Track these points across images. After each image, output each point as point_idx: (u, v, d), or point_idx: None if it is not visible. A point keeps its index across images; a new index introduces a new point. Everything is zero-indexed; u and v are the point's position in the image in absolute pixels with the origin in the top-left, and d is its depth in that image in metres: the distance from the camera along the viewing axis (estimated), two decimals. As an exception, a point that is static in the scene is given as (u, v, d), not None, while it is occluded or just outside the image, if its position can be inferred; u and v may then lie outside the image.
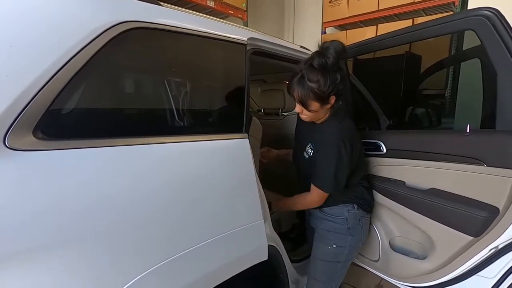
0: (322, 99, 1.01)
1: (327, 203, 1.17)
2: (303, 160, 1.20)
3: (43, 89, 0.58)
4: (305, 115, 1.10)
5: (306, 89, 1.00)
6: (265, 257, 1.07)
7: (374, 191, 1.36)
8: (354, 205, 1.18)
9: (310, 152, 1.15)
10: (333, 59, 0.96)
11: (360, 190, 1.21)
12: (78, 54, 0.63)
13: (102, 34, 0.68)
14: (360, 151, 1.16)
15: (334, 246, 1.18)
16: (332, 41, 1.00)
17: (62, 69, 0.60)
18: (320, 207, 1.21)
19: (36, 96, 0.57)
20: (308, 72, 0.99)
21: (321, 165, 1.08)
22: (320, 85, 0.97)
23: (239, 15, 3.12)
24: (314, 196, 1.13)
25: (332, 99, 1.04)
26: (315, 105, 1.03)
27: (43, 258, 0.59)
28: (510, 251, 0.99)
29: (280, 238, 1.23)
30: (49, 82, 0.58)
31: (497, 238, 0.99)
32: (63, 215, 0.60)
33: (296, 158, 1.28)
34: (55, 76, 0.59)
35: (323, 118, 1.13)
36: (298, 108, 1.09)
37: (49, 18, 0.62)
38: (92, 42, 0.66)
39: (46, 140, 0.60)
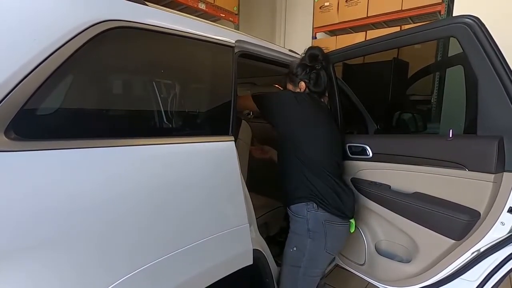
0: (293, 79, 1.30)
1: (292, 199, 1.19)
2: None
3: (17, 88, 0.56)
4: None
5: (286, 75, 1.34)
6: (250, 261, 1.05)
7: (360, 194, 1.37)
8: (314, 204, 1.13)
9: None
10: (307, 58, 1.29)
11: (322, 188, 1.14)
12: (56, 52, 0.62)
13: (83, 33, 0.67)
14: (322, 133, 1.20)
15: (295, 248, 1.16)
16: (314, 47, 1.32)
17: (38, 68, 0.59)
18: (288, 205, 1.22)
19: (9, 95, 0.55)
20: (292, 66, 1.33)
21: None
22: (293, 68, 1.30)
23: (230, 18, 3.13)
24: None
25: (302, 86, 1.26)
26: (289, 86, 1.33)
27: (20, 261, 0.57)
28: (491, 254, 1.01)
29: (268, 242, 1.23)
30: (23, 81, 0.57)
31: (478, 242, 1.01)
32: (35, 218, 0.58)
33: None
34: (30, 75, 0.57)
35: None
36: None
37: (26, 15, 0.60)
38: (72, 40, 0.65)
39: (19, 140, 0.58)
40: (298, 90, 1.27)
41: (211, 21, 1.15)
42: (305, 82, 1.25)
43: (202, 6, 2.79)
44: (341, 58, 1.44)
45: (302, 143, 1.16)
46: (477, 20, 0.99)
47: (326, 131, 1.21)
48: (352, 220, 1.24)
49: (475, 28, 0.98)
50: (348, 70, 2.48)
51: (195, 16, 1.12)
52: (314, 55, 1.28)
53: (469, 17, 1.00)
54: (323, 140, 1.20)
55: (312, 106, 1.21)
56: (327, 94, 1.35)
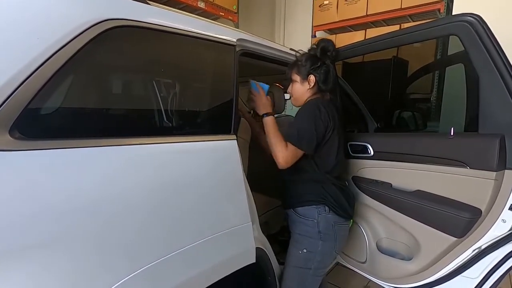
0: (302, 72, 1.22)
1: (300, 201, 1.16)
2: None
3: (20, 87, 0.55)
4: (292, 95, 1.28)
5: (293, 65, 1.26)
6: (252, 259, 1.06)
7: (361, 193, 1.37)
8: (326, 207, 1.13)
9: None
10: (319, 50, 1.22)
11: (334, 192, 1.15)
12: (59, 51, 0.62)
13: (85, 32, 0.67)
14: (338, 137, 1.15)
15: (305, 251, 1.14)
16: (326, 40, 1.25)
17: (41, 67, 0.58)
18: (293, 207, 1.19)
19: (13, 95, 0.55)
20: (300, 56, 1.26)
21: (293, 123, 1.14)
22: (302, 60, 1.23)
23: (229, 17, 3.12)
24: (285, 148, 1.08)
25: (311, 80, 1.20)
26: (295, 77, 1.24)
27: (22, 261, 0.56)
28: (492, 251, 1.02)
29: (269, 241, 1.23)
30: (27, 80, 0.56)
31: (480, 239, 1.01)
32: (40, 217, 0.58)
33: None
34: (33, 74, 0.57)
35: (306, 100, 1.22)
36: (289, 87, 1.29)
37: (29, 14, 0.60)
38: (74, 40, 0.65)
39: (24, 140, 0.58)
40: (307, 83, 1.20)
41: (210, 19, 1.15)
42: (315, 76, 1.19)
43: (201, 4, 2.78)
44: (345, 55, 1.44)
45: (322, 148, 1.13)
46: (478, 18, 0.99)
47: (337, 133, 1.18)
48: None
49: (476, 26, 0.98)
50: (348, 69, 2.48)
51: (195, 14, 1.12)
52: (326, 49, 1.22)
53: (470, 15, 1.00)
54: (336, 142, 1.17)
55: (333, 108, 1.17)
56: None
